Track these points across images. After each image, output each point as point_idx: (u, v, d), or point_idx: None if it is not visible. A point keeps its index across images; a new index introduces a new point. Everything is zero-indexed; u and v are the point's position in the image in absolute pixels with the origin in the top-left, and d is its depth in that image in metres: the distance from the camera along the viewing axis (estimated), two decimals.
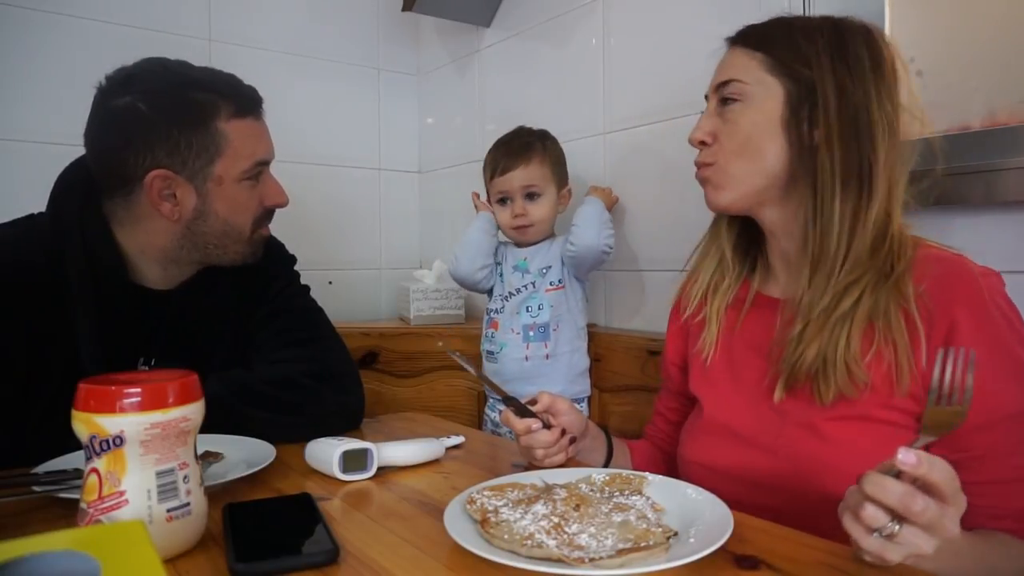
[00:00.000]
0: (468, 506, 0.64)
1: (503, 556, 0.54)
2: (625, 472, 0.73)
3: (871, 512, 0.53)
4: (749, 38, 0.83)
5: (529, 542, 0.56)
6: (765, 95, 0.80)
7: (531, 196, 1.50)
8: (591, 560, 0.53)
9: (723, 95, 0.83)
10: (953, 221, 1.07)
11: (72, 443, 0.77)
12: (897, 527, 0.52)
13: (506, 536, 0.57)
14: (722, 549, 0.56)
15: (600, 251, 1.44)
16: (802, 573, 0.55)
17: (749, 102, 0.81)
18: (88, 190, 0.96)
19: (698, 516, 0.62)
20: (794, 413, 0.79)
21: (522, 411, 0.84)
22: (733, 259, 0.92)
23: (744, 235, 0.93)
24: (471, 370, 0.85)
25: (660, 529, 0.58)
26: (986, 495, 0.69)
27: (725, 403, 0.88)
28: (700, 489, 0.68)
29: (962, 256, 0.76)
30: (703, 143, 0.85)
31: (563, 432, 0.84)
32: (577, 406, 0.94)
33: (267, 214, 1.05)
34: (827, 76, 0.77)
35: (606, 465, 0.94)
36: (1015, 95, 1.05)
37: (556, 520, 0.59)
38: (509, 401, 0.85)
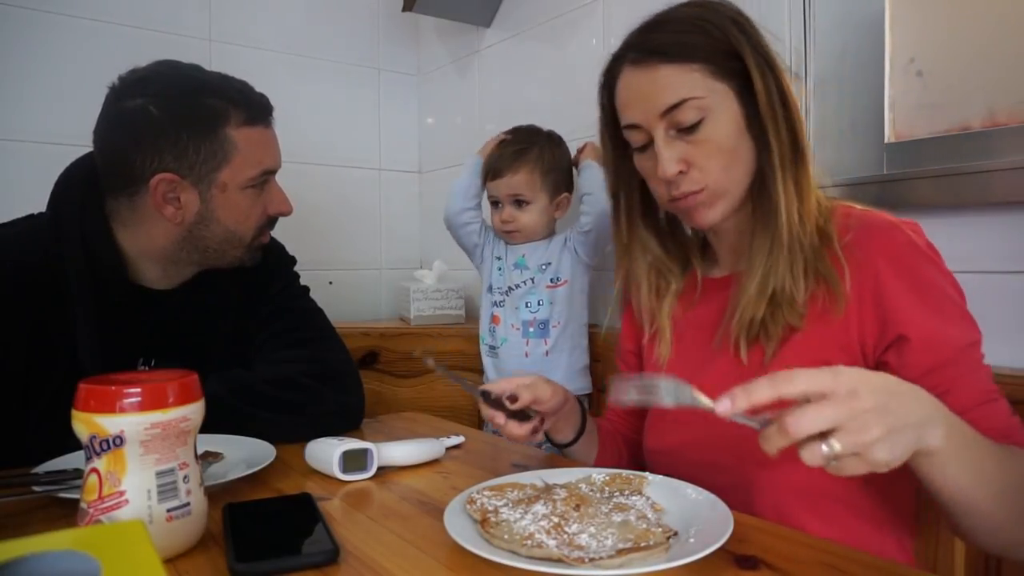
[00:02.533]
0: (468, 506, 0.64)
1: (503, 556, 0.54)
2: (625, 472, 0.73)
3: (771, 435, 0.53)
4: (670, 53, 0.77)
5: (529, 542, 0.56)
6: (722, 103, 0.78)
7: (518, 203, 1.51)
8: (591, 560, 0.53)
9: (678, 118, 0.77)
10: (953, 221, 1.07)
11: (72, 443, 0.77)
12: (835, 446, 0.51)
13: (506, 536, 0.57)
14: (722, 549, 0.56)
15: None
16: (802, 573, 0.55)
17: (714, 114, 0.78)
18: (89, 189, 0.96)
19: (698, 516, 0.62)
20: (748, 378, 0.79)
21: (496, 404, 0.82)
22: (668, 260, 0.92)
23: (668, 233, 0.94)
24: (450, 377, 0.84)
25: (660, 529, 0.58)
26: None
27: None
28: (700, 489, 0.68)
29: (881, 212, 0.80)
30: (679, 172, 0.79)
31: (541, 420, 0.85)
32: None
33: (270, 222, 1.05)
34: (752, 61, 0.77)
35: (577, 439, 0.93)
36: (1015, 95, 1.05)
37: (556, 520, 0.59)
38: (485, 396, 0.83)
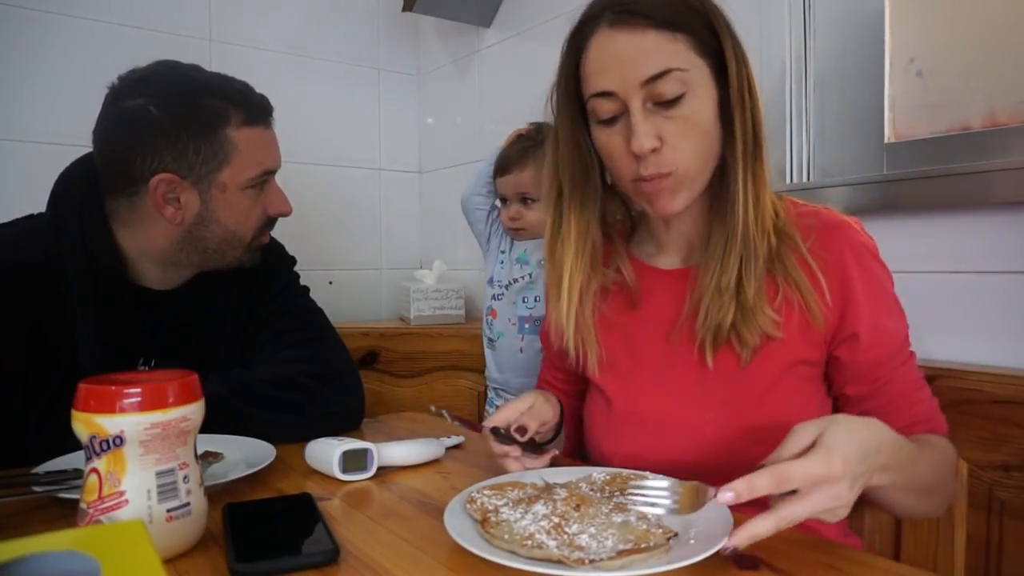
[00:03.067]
0: (468, 505, 0.64)
1: (503, 556, 0.54)
2: (625, 472, 0.73)
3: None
4: (656, 17, 0.71)
5: (529, 542, 0.56)
6: (702, 80, 0.73)
7: (525, 200, 1.52)
8: (591, 561, 0.53)
9: (660, 89, 0.71)
10: (953, 221, 1.07)
11: (72, 443, 0.77)
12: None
13: (506, 536, 0.57)
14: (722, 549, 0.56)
15: None
16: (802, 573, 0.55)
17: (695, 91, 0.72)
18: (89, 190, 0.96)
19: (698, 516, 0.62)
20: (716, 384, 0.79)
21: (506, 438, 0.79)
22: (600, 251, 0.86)
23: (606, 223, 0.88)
24: (464, 425, 0.79)
25: (660, 530, 0.58)
26: (899, 412, 0.76)
27: (636, 390, 0.84)
28: None
29: (827, 208, 0.81)
30: (652, 150, 0.73)
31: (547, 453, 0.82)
32: None
33: (270, 222, 1.05)
34: (729, 43, 0.74)
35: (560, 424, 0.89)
36: (1015, 95, 1.05)
37: (556, 520, 0.59)
38: (495, 433, 0.78)
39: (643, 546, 0.55)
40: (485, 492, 0.67)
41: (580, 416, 0.96)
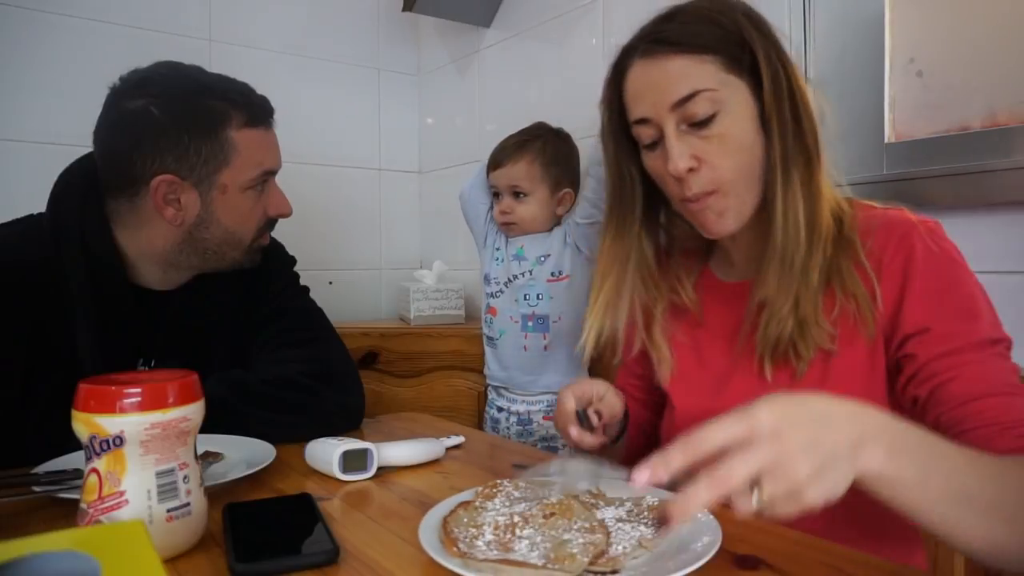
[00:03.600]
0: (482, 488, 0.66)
1: (432, 543, 0.56)
2: (650, 498, 0.66)
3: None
4: (683, 43, 0.75)
5: (472, 530, 0.57)
6: (735, 96, 0.75)
7: (517, 195, 1.51)
8: (483, 560, 0.53)
9: (691, 111, 0.74)
10: (953, 221, 1.07)
11: (72, 443, 0.77)
12: (763, 493, 0.48)
13: (461, 524, 0.59)
14: (722, 549, 0.56)
15: None
16: (802, 573, 0.55)
17: (728, 108, 0.75)
18: (89, 190, 0.96)
19: (689, 533, 0.59)
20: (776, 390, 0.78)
21: (586, 421, 0.84)
22: (659, 276, 0.89)
23: (665, 247, 0.91)
24: (540, 477, 0.74)
25: (586, 559, 0.53)
26: (969, 416, 0.66)
27: (699, 401, 0.86)
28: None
29: (901, 209, 0.78)
30: (690, 170, 0.76)
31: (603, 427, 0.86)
32: None
33: (270, 223, 1.05)
34: (762, 55, 0.74)
35: (619, 437, 0.92)
36: (1015, 95, 1.05)
37: (517, 520, 0.59)
38: (578, 413, 0.84)
39: (552, 567, 0.52)
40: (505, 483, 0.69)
41: (643, 427, 1.00)
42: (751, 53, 0.74)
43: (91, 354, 0.92)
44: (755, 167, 0.77)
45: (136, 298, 1.00)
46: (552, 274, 1.51)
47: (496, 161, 1.53)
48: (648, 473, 0.49)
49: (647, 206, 0.87)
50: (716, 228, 0.79)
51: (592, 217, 1.44)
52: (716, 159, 0.75)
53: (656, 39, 0.76)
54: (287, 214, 1.05)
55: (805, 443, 0.48)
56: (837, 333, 0.75)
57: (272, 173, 1.02)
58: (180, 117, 0.92)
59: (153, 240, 0.98)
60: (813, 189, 0.75)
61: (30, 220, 0.99)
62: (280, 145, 1.04)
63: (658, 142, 0.78)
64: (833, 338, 0.75)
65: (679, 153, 0.75)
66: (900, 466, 0.51)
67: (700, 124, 0.75)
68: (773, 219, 0.75)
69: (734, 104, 0.75)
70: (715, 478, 0.47)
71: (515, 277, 1.54)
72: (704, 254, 0.93)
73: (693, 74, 0.74)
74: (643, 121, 0.78)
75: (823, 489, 0.48)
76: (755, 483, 0.48)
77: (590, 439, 0.83)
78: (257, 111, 0.99)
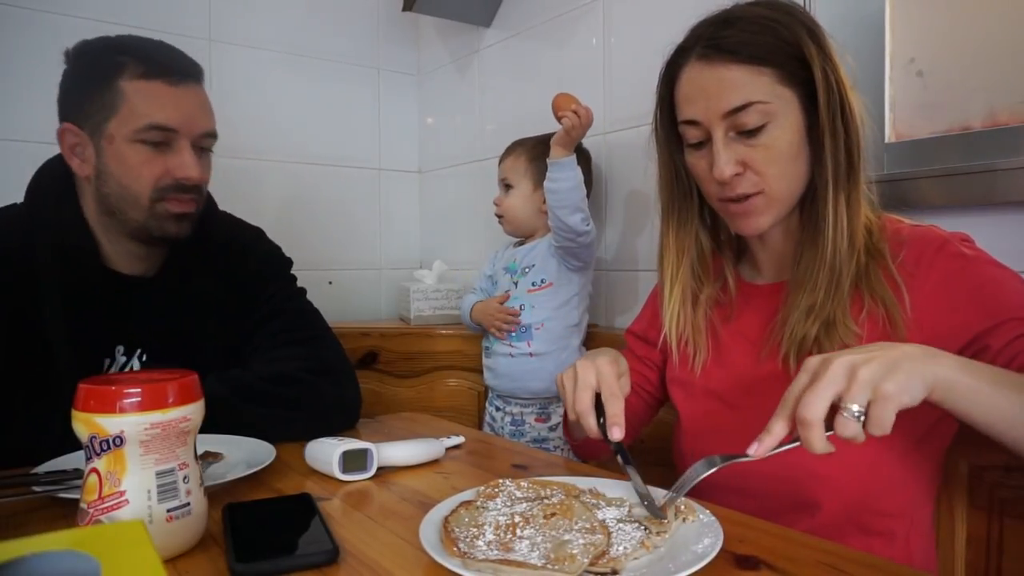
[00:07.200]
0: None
1: (431, 542, 0.56)
2: (684, 503, 0.65)
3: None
4: (742, 53, 0.75)
5: (473, 530, 0.57)
6: (787, 109, 0.76)
7: (507, 187, 1.57)
8: (483, 560, 0.53)
9: (741, 120, 0.76)
10: (953, 221, 1.07)
11: (51, 434, 0.76)
12: (851, 406, 0.56)
13: (462, 523, 0.59)
14: (722, 549, 0.56)
15: (579, 232, 1.41)
16: (802, 573, 0.55)
17: (778, 120, 0.76)
18: (65, 178, 1.00)
19: (692, 532, 0.60)
20: None
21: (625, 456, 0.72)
22: (707, 264, 0.91)
23: (712, 237, 0.92)
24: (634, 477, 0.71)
25: (585, 559, 0.53)
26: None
27: (722, 398, 0.87)
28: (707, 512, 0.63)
29: (931, 226, 0.79)
30: (736, 175, 0.78)
31: None
32: None
33: (176, 187, 0.98)
34: (819, 72, 0.75)
35: None
36: (1015, 95, 1.05)
37: (518, 520, 0.59)
38: (618, 449, 0.73)
39: (552, 567, 0.52)
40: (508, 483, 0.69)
41: (634, 410, 0.98)
42: (807, 67, 0.75)
43: (60, 336, 0.92)
44: (798, 176, 0.79)
45: (110, 283, 1.01)
46: (533, 283, 1.53)
47: (501, 159, 1.61)
48: (758, 445, 0.58)
49: (699, 198, 0.89)
50: (750, 227, 0.81)
51: (557, 241, 1.45)
52: (761, 167, 0.77)
53: (714, 44, 0.77)
54: (193, 180, 0.98)
55: (869, 359, 0.56)
56: (864, 334, 0.75)
57: (165, 129, 0.96)
58: (80, 69, 0.97)
59: (88, 205, 1.00)
60: (855, 200, 0.77)
61: (4, 209, 1.01)
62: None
63: (704, 143, 0.80)
64: (859, 338, 0.75)
65: (726, 160, 0.77)
66: (974, 376, 0.59)
67: (749, 133, 0.76)
68: (822, 230, 0.77)
69: (784, 116, 0.76)
70: (801, 412, 0.56)
71: (505, 291, 1.57)
72: (734, 254, 0.94)
73: (748, 85, 0.75)
74: (692, 123, 0.79)
75: (896, 383, 0.55)
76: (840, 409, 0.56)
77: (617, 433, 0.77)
78: (158, 65, 0.96)
